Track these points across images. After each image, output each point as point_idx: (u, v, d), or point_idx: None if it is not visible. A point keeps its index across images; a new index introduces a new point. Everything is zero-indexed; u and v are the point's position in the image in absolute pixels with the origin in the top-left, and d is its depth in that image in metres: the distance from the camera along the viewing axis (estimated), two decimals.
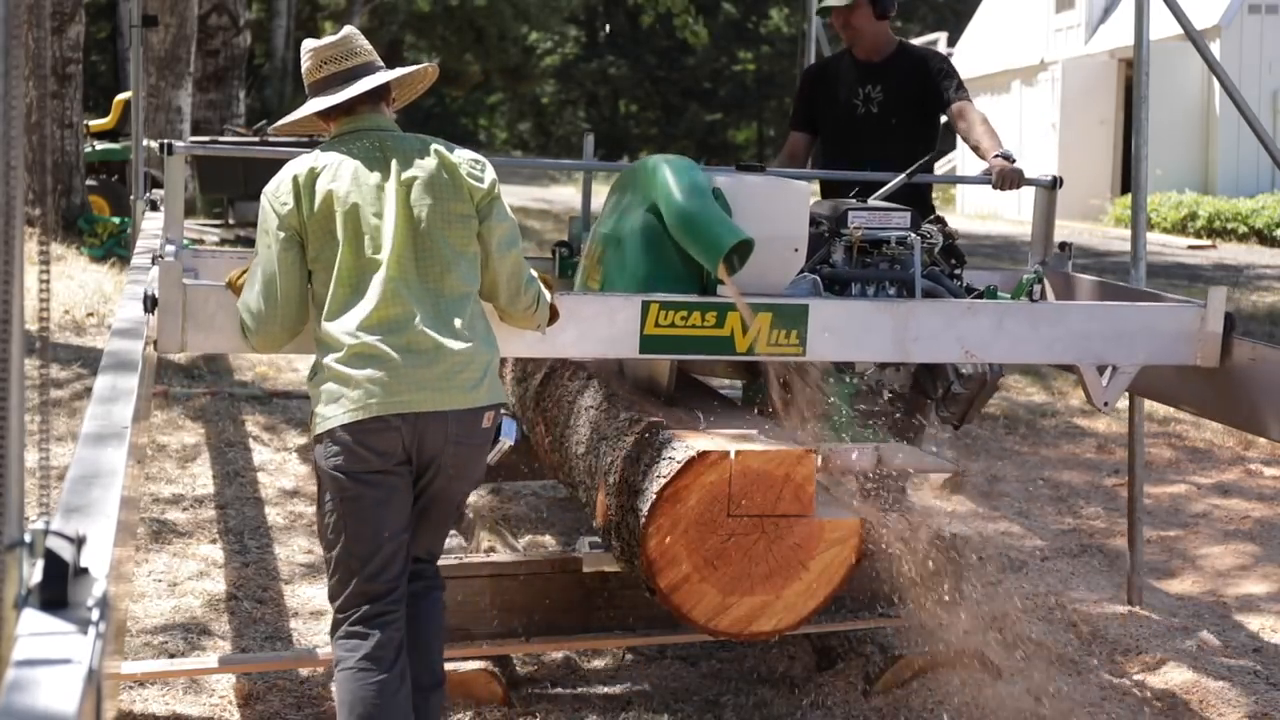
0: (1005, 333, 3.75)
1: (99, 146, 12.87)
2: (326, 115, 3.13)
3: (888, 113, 4.94)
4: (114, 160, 12.76)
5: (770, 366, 3.84)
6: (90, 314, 8.46)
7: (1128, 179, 14.64)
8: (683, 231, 3.51)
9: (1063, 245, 4.73)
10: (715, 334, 3.52)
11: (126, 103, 12.72)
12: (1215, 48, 17.76)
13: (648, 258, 3.60)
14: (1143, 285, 4.43)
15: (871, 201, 4.27)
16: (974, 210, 21.48)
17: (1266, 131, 4.45)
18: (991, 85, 23.90)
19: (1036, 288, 4.30)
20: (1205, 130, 19.34)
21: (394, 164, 3.02)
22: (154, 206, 5.36)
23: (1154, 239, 16.23)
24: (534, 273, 3.25)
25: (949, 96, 4.84)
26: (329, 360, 2.95)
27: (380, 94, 3.13)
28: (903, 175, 4.51)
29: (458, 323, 2.98)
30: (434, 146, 3.08)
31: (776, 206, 3.72)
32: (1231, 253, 15.64)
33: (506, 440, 3.18)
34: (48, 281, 1.66)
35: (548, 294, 3.30)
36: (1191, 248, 16.12)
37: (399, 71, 3.18)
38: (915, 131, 4.93)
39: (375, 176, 3.00)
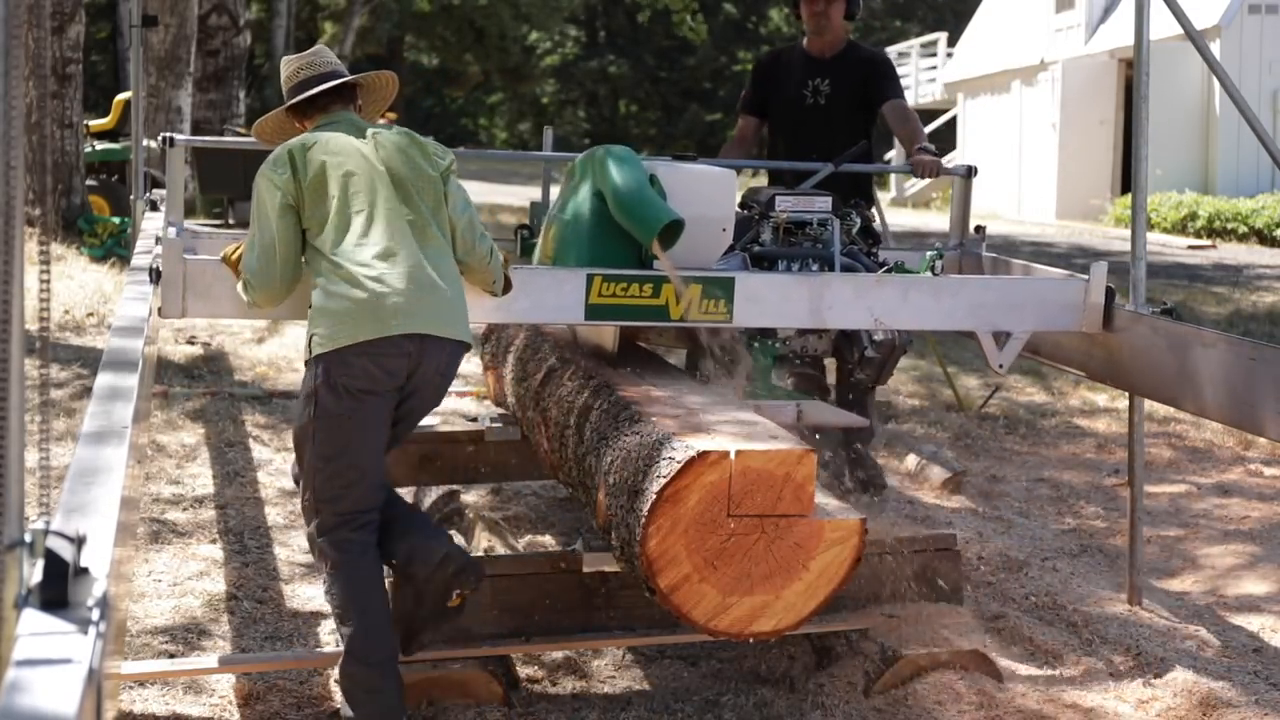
0: (910, 303, 4.16)
1: (99, 146, 12.87)
2: (304, 114, 3.56)
3: (833, 105, 5.39)
4: (114, 160, 12.76)
5: (703, 334, 4.23)
6: (90, 314, 8.47)
7: (1128, 179, 14.64)
8: (622, 213, 3.91)
9: (978, 229, 5.23)
10: (652, 303, 3.94)
11: (126, 103, 12.72)
12: (1215, 48, 17.76)
13: (593, 236, 4.01)
14: (1142, 285, 4.44)
15: (801, 188, 4.66)
16: (974, 211, 21.47)
17: (1266, 131, 4.44)
18: (991, 85, 23.90)
19: (939, 263, 4.65)
20: (1205, 130, 19.33)
21: (373, 139, 3.47)
22: (154, 206, 5.37)
23: (1154, 239, 16.23)
24: (487, 234, 3.67)
25: (886, 94, 5.34)
26: (338, 286, 3.26)
27: (349, 97, 3.59)
28: (829, 165, 4.92)
29: (442, 268, 3.39)
30: (401, 130, 3.55)
31: (706, 191, 4.11)
32: (1232, 253, 15.63)
33: None
34: (48, 281, 1.66)
35: (500, 256, 3.70)
36: (1191, 248, 16.12)
37: (364, 75, 3.69)
38: (857, 123, 5.40)
39: (361, 147, 3.43)
